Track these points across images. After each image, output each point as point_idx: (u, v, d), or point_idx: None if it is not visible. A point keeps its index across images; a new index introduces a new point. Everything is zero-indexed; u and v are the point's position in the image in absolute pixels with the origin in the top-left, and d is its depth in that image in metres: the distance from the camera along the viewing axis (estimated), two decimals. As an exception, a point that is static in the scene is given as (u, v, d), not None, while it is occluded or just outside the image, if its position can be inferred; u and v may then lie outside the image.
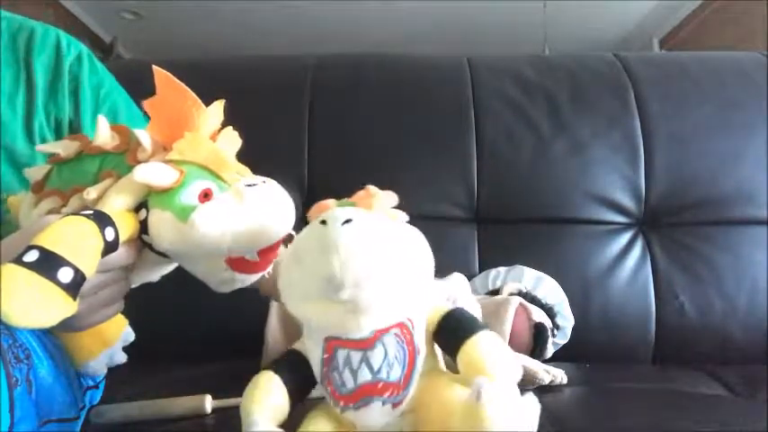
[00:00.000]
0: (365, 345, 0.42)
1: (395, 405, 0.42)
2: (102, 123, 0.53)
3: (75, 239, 0.43)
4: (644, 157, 1.06)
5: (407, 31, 3.94)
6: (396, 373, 0.42)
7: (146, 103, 0.50)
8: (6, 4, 0.70)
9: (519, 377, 0.41)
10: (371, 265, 0.39)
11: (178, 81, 0.49)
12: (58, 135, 0.67)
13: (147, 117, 0.51)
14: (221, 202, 0.47)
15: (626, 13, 3.77)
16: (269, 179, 0.51)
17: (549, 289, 0.97)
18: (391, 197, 0.46)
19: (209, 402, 0.60)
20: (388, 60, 1.21)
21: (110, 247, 0.45)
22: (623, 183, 1.06)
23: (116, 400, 0.62)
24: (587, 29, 3.91)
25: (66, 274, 0.40)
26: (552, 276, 0.98)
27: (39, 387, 0.47)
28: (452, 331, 0.44)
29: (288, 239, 0.51)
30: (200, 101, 0.50)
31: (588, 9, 3.66)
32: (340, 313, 0.40)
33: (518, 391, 0.39)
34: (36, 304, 0.39)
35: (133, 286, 0.55)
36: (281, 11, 3.75)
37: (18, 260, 0.39)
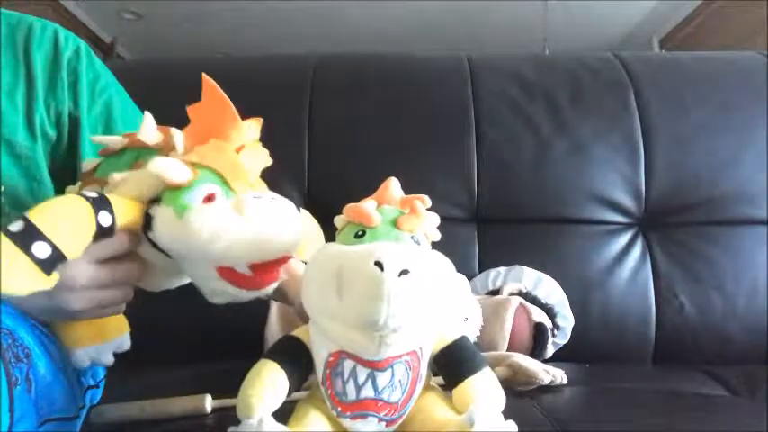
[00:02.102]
0: (376, 366, 0.43)
1: (389, 423, 0.44)
2: (149, 119, 0.54)
3: (65, 217, 0.44)
4: (644, 157, 1.06)
5: (407, 31, 3.94)
6: (396, 396, 0.43)
7: (189, 108, 0.51)
8: (6, 5, 0.70)
9: (503, 406, 0.45)
10: (415, 317, 0.40)
11: (222, 93, 0.50)
12: (59, 128, 0.68)
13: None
14: (220, 206, 0.46)
15: (626, 13, 3.77)
16: (281, 197, 0.50)
17: (549, 289, 0.97)
18: (435, 219, 0.46)
19: (209, 402, 0.60)
20: (388, 60, 1.21)
21: (103, 232, 0.45)
22: (623, 183, 1.06)
23: (116, 399, 0.62)
24: (587, 29, 3.91)
25: (41, 250, 0.41)
26: (552, 276, 0.98)
27: (38, 386, 0.47)
28: (452, 366, 0.46)
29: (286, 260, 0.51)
30: (237, 115, 0.50)
31: (588, 9, 3.66)
32: (365, 341, 0.41)
33: (502, 418, 0.43)
34: (5, 273, 0.40)
35: (157, 290, 0.55)
36: (281, 11, 3.75)
37: (5, 228, 0.41)
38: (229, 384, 0.45)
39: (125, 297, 0.53)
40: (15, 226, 0.41)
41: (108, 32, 4.10)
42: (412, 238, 0.44)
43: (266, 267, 0.48)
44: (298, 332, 0.47)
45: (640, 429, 0.58)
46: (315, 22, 3.89)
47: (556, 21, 3.56)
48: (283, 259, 0.49)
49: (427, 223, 0.45)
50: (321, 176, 1.06)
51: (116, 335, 0.58)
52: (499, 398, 0.45)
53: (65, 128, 0.68)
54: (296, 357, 0.45)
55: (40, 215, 0.42)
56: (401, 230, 0.44)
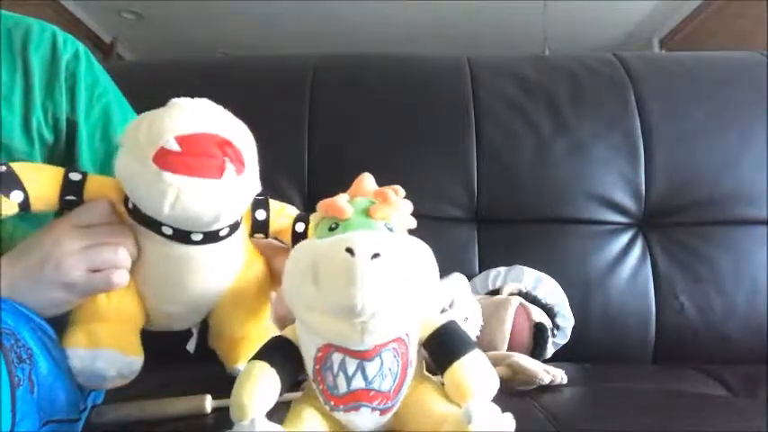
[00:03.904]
0: (364, 356, 0.42)
1: (383, 412, 0.44)
2: None
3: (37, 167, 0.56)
4: (644, 157, 1.06)
5: (407, 31, 3.94)
6: (387, 384, 0.43)
7: None
8: (6, 4, 0.70)
9: (497, 389, 0.45)
10: (391, 299, 0.40)
11: None
12: (56, 132, 0.67)
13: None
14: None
15: (626, 13, 3.77)
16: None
17: (549, 289, 0.97)
18: (408, 206, 0.46)
19: (209, 402, 0.60)
20: (389, 60, 1.21)
21: (71, 187, 0.52)
22: (623, 183, 1.06)
23: (116, 400, 0.62)
24: (587, 29, 3.90)
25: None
26: (552, 276, 0.98)
27: (41, 387, 0.47)
28: (442, 349, 0.46)
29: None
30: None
31: (588, 9, 3.66)
32: (347, 330, 0.41)
33: (498, 408, 0.42)
34: None
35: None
36: (281, 11, 3.75)
37: None
38: (229, 384, 0.45)
39: (116, 259, 0.52)
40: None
41: (108, 32, 4.10)
42: (385, 225, 0.44)
43: (194, 141, 0.47)
44: (285, 332, 0.47)
45: (640, 429, 0.58)
46: (315, 22, 3.89)
47: (556, 21, 3.55)
48: (216, 138, 0.48)
49: (400, 211, 0.45)
50: (321, 176, 1.06)
51: (112, 345, 0.55)
52: (491, 378, 0.45)
53: (62, 132, 0.67)
54: (285, 356, 0.45)
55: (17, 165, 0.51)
56: (374, 219, 0.44)
